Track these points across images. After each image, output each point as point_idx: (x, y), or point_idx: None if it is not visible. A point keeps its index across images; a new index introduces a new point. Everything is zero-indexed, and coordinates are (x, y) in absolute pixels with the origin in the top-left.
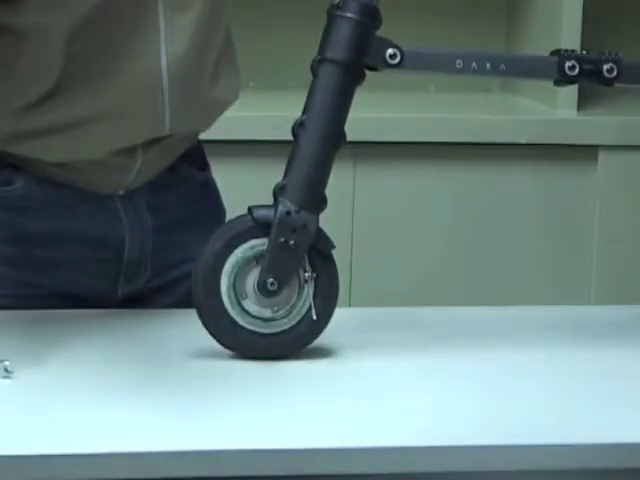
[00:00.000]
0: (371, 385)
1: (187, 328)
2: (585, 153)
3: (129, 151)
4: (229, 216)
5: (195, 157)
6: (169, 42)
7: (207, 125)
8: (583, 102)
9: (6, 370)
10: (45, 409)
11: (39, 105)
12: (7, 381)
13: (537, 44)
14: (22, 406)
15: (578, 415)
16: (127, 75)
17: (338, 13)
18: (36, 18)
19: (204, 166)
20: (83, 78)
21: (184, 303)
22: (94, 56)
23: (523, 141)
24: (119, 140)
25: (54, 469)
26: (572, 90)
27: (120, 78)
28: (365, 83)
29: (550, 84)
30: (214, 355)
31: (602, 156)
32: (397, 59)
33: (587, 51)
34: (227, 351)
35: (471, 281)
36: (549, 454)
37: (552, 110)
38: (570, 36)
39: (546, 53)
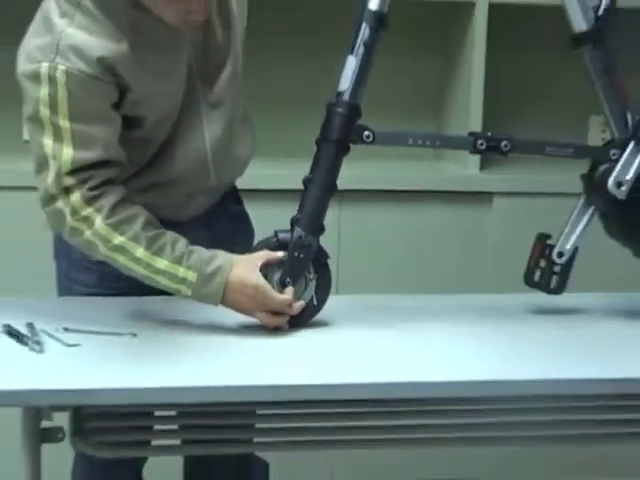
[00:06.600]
0: (355, 341)
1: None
2: (483, 198)
3: (190, 196)
4: (259, 237)
5: (232, 196)
6: (209, 130)
7: (239, 174)
8: (484, 164)
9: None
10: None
11: (138, 173)
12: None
13: (456, 128)
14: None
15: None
16: (186, 153)
17: (333, 109)
18: (146, 133)
19: (239, 201)
20: (158, 157)
21: None
22: (165, 143)
23: (447, 189)
24: (185, 192)
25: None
26: (478, 157)
27: (182, 155)
28: (351, 153)
29: (466, 152)
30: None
31: (496, 200)
32: (371, 138)
33: (491, 132)
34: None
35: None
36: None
37: (464, 169)
38: (476, 123)
39: (464, 133)
